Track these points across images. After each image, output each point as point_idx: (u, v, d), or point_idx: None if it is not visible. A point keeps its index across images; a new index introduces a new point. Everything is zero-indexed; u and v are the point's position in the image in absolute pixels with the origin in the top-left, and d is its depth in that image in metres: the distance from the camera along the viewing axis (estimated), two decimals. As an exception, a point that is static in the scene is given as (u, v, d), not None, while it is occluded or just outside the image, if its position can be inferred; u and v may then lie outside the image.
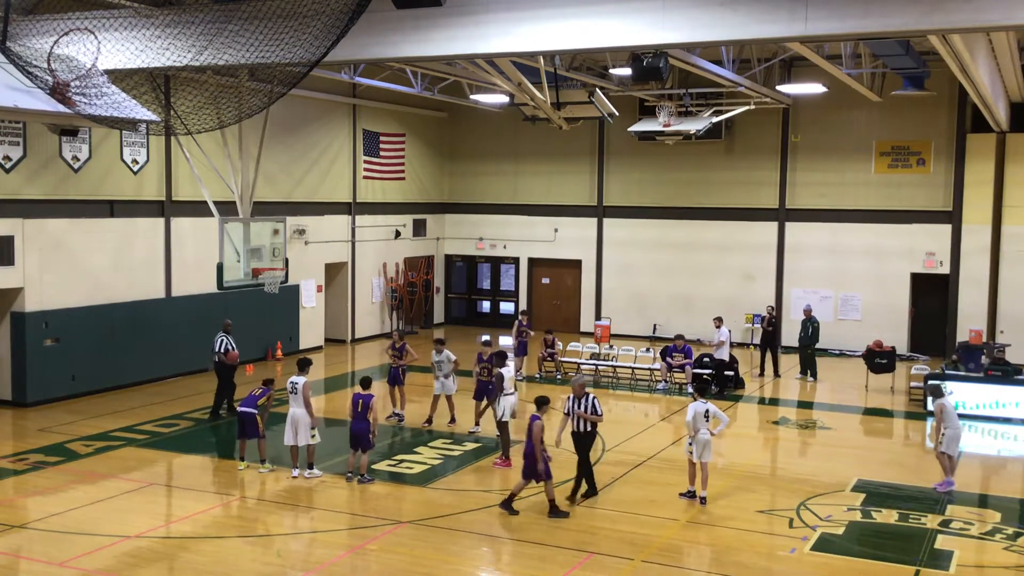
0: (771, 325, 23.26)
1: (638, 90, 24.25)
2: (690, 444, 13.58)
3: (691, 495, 13.62)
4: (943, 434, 14.26)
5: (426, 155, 30.75)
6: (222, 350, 18.05)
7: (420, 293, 30.15)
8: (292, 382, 14.48)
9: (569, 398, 13.60)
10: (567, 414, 13.60)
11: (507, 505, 12.95)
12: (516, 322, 23.16)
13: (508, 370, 15.61)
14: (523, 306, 30.73)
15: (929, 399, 14.53)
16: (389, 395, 18.19)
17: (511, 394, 15.50)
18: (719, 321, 21.79)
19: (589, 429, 13.48)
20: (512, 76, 18.18)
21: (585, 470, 13.68)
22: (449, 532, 12.14)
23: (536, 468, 12.70)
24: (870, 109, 25.54)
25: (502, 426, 15.37)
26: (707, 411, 13.48)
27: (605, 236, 29.39)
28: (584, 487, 13.69)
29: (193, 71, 14.57)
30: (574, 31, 11.86)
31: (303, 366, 14.81)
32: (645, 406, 20.24)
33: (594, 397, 13.54)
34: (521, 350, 22.45)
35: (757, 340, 24.39)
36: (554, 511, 12.84)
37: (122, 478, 14.34)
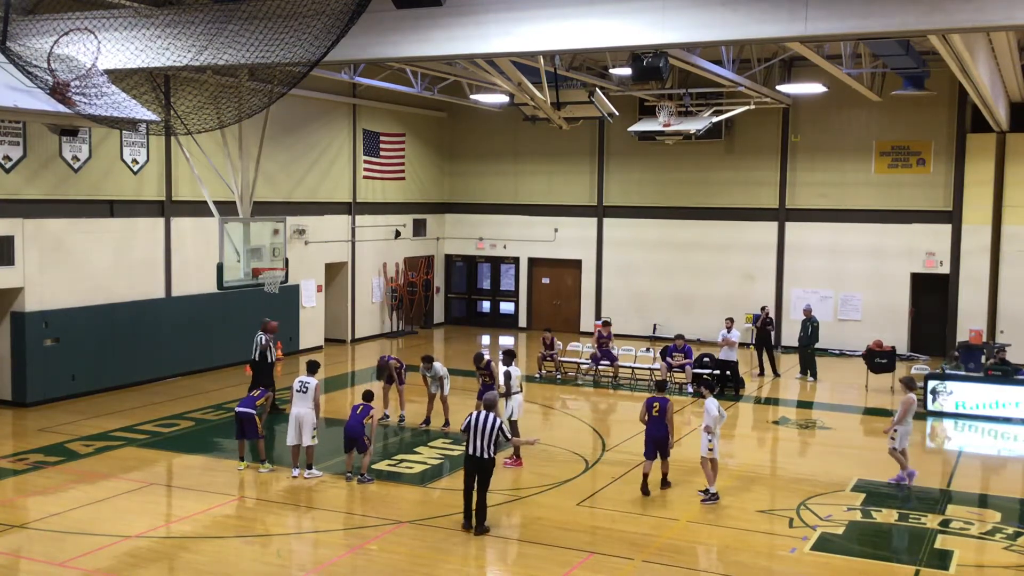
0: (767, 324, 23.31)
1: (638, 90, 24.25)
2: (710, 441, 13.47)
3: (716, 497, 13.47)
4: (896, 430, 14.31)
5: (426, 155, 30.74)
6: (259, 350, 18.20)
7: (420, 293, 30.15)
8: (303, 381, 14.52)
9: (471, 415, 12.25)
10: (463, 431, 12.26)
11: (647, 491, 13.76)
12: (596, 331, 23.13)
13: (516, 369, 15.64)
14: (523, 305, 30.75)
15: (906, 393, 14.51)
16: (383, 396, 18.04)
17: (518, 393, 15.53)
18: (731, 322, 21.74)
19: (487, 456, 11.98)
20: (512, 76, 18.19)
21: (479, 501, 12.05)
22: (449, 532, 12.13)
23: (666, 445, 13.83)
24: (870, 109, 25.54)
25: (511, 425, 15.38)
26: (718, 406, 13.54)
27: (605, 236, 29.39)
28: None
29: (193, 71, 14.58)
30: (574, 31, 11.86)
31: (313, 368, 14.88)
32: (645, 406, 20.21)
33: (501, 421, 12.11)
34: (607, 357, 22.54)
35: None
36: (664, 485, 13.98)
37: (122, 478, 14.34)
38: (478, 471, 12.01)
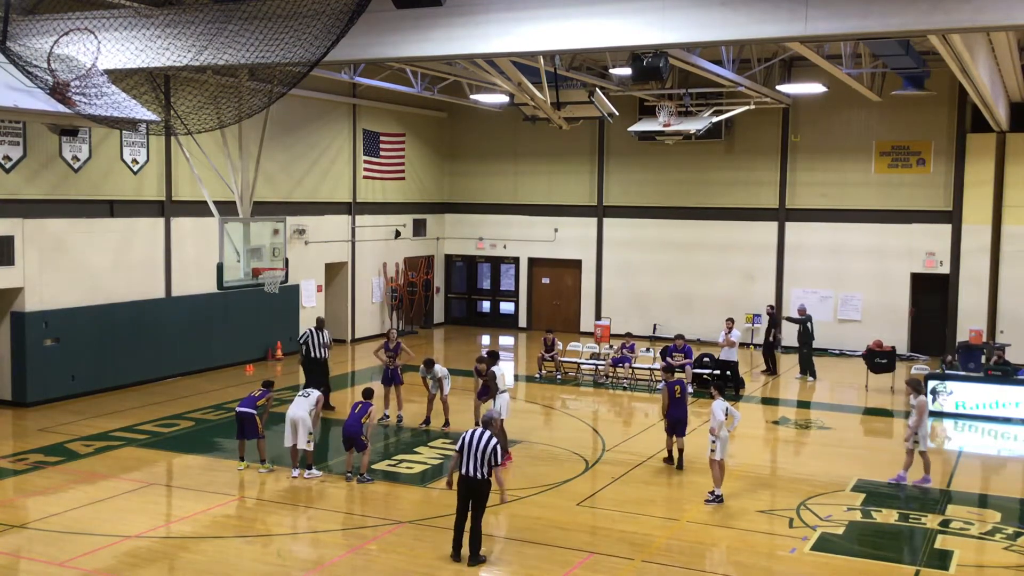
0: (772, 323, 23.41)
1: (638, 90, 24.25)
2: (714, 443, 13.44)
3: (719, 499, 13.44)
4: (917, 432, 14.33)
5: (426, 155, 30.75)
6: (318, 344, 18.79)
7: (420, 293, 30.14)
8: (308, 389, 14.86)
9: (465, 432, 11.34)
10: (458, 451, 11.24)
11: (671, 461, 15.25)
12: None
13: (500, 369, 15.61)
14: (524, 305, 30.73)
15: (911, 396, 14.54)
16: (384, 397, 18.10)
17: (503, 392, 15.52)
18: (731, 323, 21.69)
19: (482, 476, 11.03)
20: (512, 76, 18.18)
21: (473, 527, 11.19)
22: (449, 532, 12.08)
23: (685, 424, 15.13)
24: (870, 109, 25.53)
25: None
26: (726, 409, 13.50)
27: (605, 236, 29.39)
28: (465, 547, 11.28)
29: (193, 71, 14.57)
30: (574, 31, 11.86)
31: (314, 376, 15.08)
32: (645, 406, 20.24)
33: (496, 442, 11.16)
34: (626, 359, 22.52)
35: (758, 340, 24.49)
36: (679, 462, 15.14)
37: (122, 478, 14.34)
38: (471, 493, 11.05)
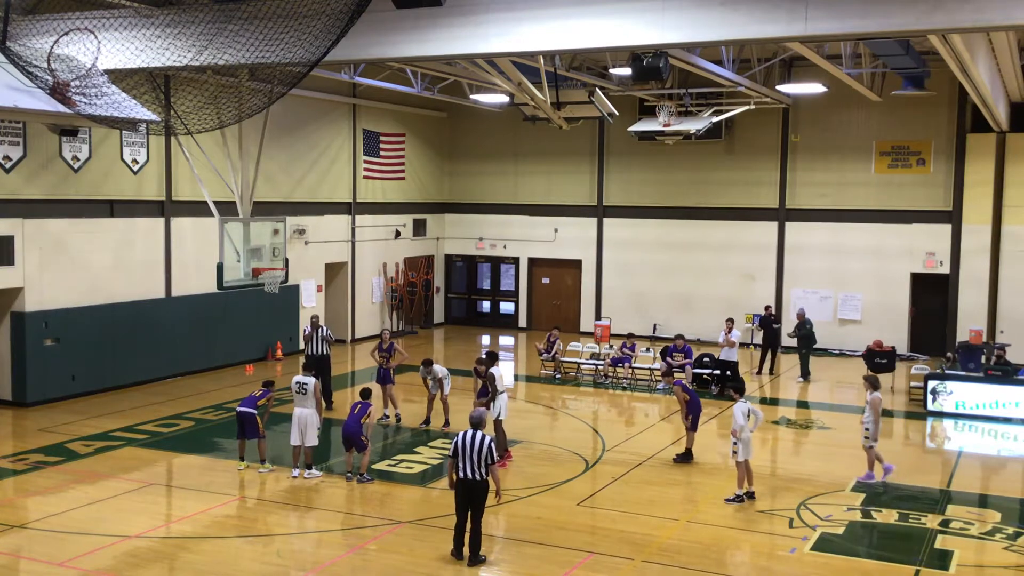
0: (773, 323, 23.39)
1: (638, 90, 24.25)
2: (735, 444, 13.44)
3: (740, 499, 13.45)
4: (868, 428, 14.36)
5: (426, 155, 30.75)
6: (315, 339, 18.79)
7: (420, 293, 30.15)
8: (300, 383, 14.51)
9: (458, 435, 11.24)
10: (452, 456, 11.22)
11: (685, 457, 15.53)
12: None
13: (499, 371, 15.62)
14: (523, 305, 30.73)
15: (872, 392, 14.51)
16: (384, 395, 18.11)
17: (502, 393, 15.53)
18: (731, 323, 21.65)
19: (479, 478, 11.06)
20: (512, 76, 18.18)
21: (473, 529, 11.19)
22: (449, 532, 12.08)
23: (698, 420, 15.47)
24: (870, 109, 25.53)
25: (497, 424, 15.36)
26: (748, 410, 13.48)
27: (605, 236, 29.39)
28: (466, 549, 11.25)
29: (193, 71, 14.58)
30: (574, 31, 11.86)
31: (307, 367, 14.89)
32: (645, 406, 20.25)
33: (491, 439, 11.16)
34: (626, 359, 22.56)
35: (759, 340, 24.50)
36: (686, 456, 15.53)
37: (122, 478, 14.34)
38: (470, 495, 11.06)
